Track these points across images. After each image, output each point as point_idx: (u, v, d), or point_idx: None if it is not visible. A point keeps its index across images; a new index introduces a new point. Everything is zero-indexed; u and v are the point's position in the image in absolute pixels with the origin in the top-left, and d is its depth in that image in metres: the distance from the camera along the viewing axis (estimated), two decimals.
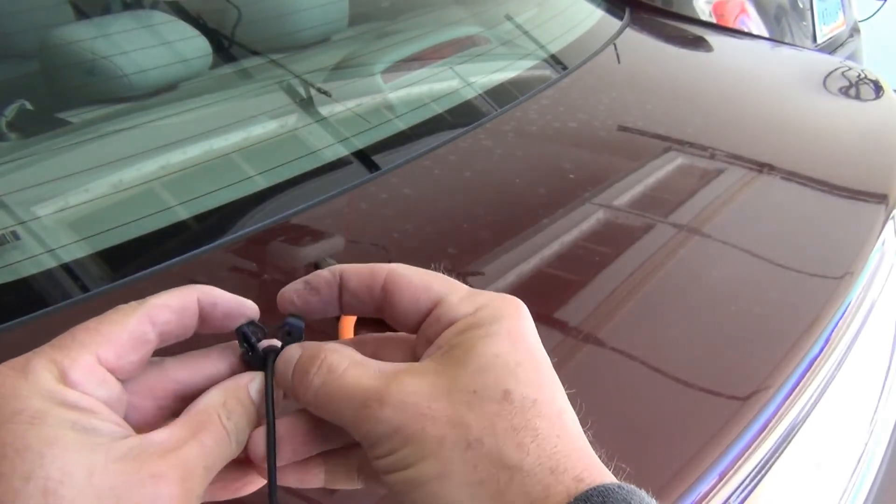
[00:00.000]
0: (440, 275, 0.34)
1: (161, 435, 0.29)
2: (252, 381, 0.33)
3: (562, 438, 0.29)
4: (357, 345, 0.35)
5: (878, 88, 1.22)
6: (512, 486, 0.28)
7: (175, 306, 0.32)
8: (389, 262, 0.34)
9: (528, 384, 0.30)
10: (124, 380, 0.30)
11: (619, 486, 0.28)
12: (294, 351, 0.33)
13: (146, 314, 0.31)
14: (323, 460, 0.34)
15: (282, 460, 0.33)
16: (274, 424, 0.32)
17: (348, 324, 0.58)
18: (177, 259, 0.64)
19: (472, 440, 0.29)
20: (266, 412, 0.32)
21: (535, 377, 0.30)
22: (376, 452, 0.30)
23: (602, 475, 0.29)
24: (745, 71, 1.28)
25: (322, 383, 0.31)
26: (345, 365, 0.31)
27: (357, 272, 0.34)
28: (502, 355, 0.30)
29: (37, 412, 0.27)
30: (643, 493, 0.29)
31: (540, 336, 0.32)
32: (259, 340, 0.34)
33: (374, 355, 0.34)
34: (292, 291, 0.34)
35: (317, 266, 0.64)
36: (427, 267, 0.34)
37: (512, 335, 0.31)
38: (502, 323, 0.31)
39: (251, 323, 0.34)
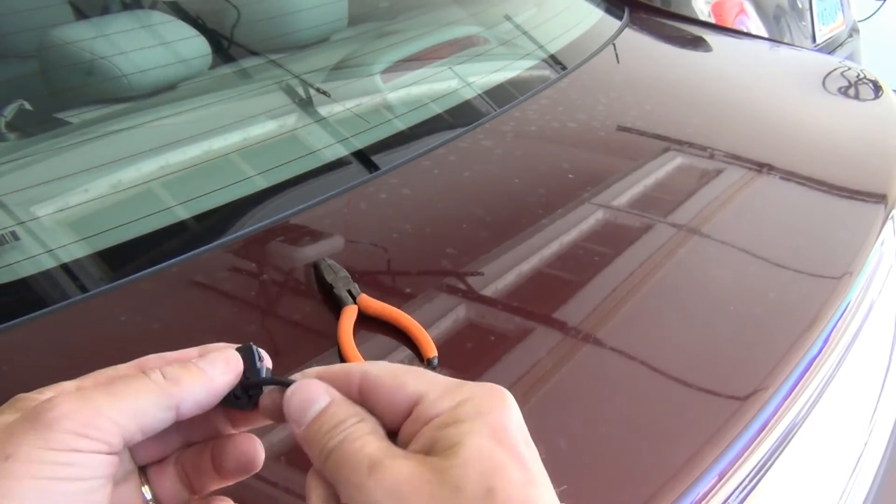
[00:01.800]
0: (416, 370, 0.33)
1: None
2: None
3: None
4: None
5: (877, 88, 1.22)
6: None
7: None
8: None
9: (512, 483, 0.29)
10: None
11: None
12: (322, 399, 0.33)
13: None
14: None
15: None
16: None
17: (348, 321, 0.58)
18: (176, 259, 0.64)
19: None
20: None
21: (521, 476, 0.29)
22: None
23: None
24: (745, 71, 1.28)
25: (337, 445, 0.31)
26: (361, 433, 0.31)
27: (333, 377, 0.34)
28: (486, 453, 0.29)
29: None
30: None
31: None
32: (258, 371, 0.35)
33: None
34: (267, 398, 0.35)
35: (316, 266, 0.64)
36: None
37: (495, 432, 0.30)
38: (485, 419, 0.30)
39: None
